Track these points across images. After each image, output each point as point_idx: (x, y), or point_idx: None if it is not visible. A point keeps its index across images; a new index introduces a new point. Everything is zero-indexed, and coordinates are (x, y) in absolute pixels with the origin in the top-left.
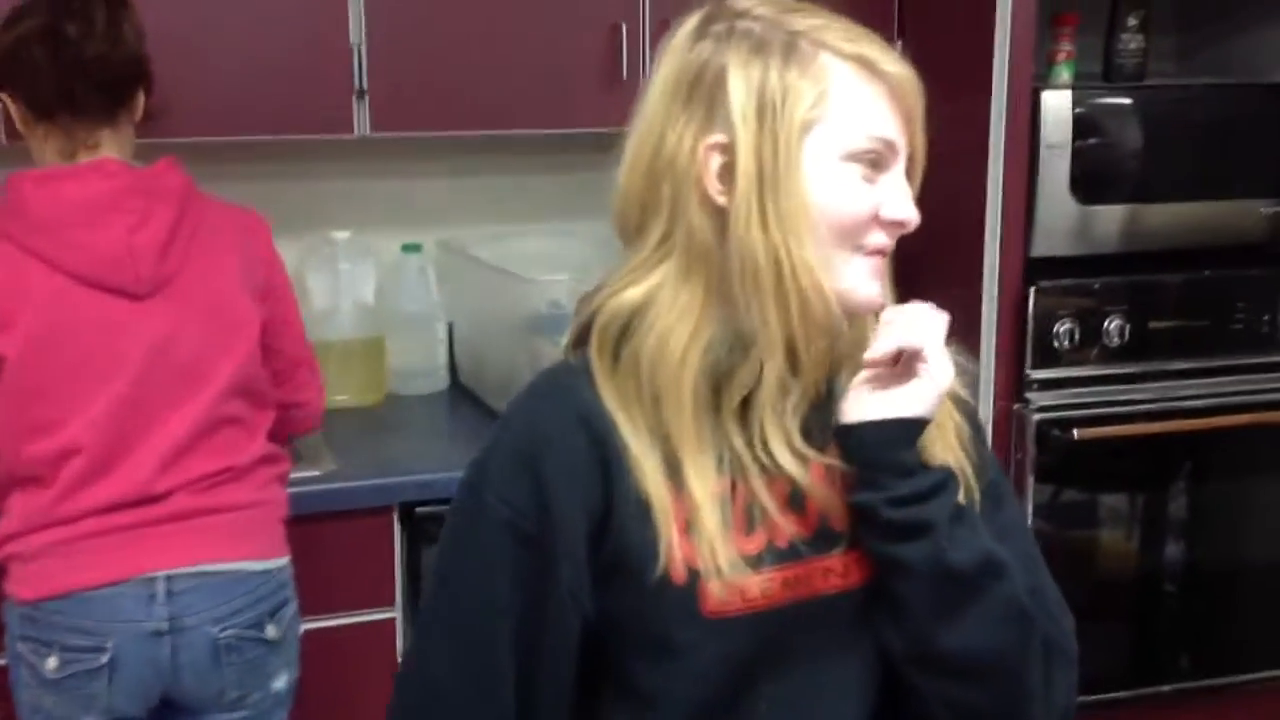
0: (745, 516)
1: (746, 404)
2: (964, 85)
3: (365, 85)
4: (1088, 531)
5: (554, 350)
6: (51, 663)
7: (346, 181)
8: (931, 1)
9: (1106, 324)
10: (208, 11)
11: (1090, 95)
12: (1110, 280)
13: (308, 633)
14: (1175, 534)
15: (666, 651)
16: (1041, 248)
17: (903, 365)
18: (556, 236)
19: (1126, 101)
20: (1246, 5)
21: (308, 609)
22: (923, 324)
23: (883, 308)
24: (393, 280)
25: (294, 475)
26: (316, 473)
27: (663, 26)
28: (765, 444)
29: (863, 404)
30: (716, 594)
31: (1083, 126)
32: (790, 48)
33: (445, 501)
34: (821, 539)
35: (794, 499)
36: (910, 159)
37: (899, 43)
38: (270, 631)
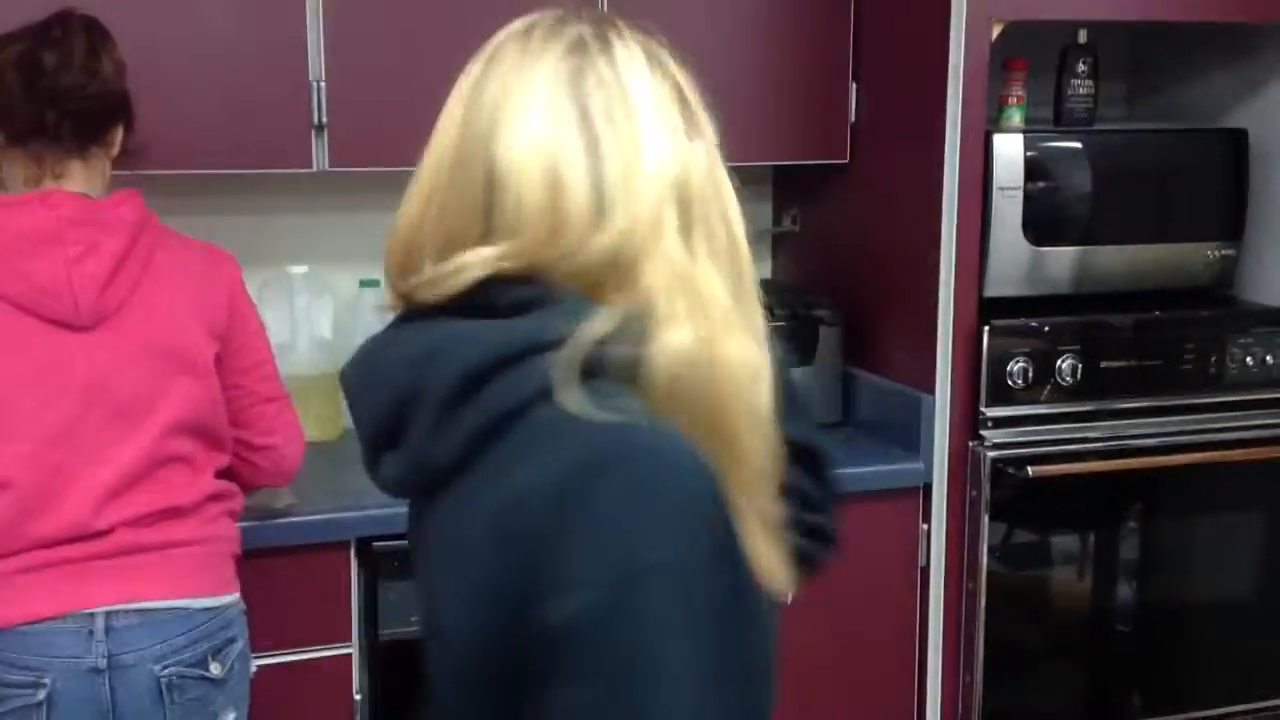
0: None
1: None
2: (917, 128)
3: (324, 120)
4: (1041, 570)
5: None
6: None
7: (304, 216)
8: (885, 46)
9: (1059, 363)
10: (168, 45)
11: (1041, 139)
12: (1062, 320)
13: (262, 669)
14: (1127, 572)
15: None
16: (995, 288)
17: None
18: None
19: (1077, 145)
20: (1194, 51)
21: (263, 645)
22: None
23: None
24: (350, 315)
25: (250, 509)
26: (274, 506)
27: None
28: None
29: None
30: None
31: (1034, 169)
32: None
33: (401, 537)
34: None
35: None
36: None
37: (854, 86)
38: (214, 669)
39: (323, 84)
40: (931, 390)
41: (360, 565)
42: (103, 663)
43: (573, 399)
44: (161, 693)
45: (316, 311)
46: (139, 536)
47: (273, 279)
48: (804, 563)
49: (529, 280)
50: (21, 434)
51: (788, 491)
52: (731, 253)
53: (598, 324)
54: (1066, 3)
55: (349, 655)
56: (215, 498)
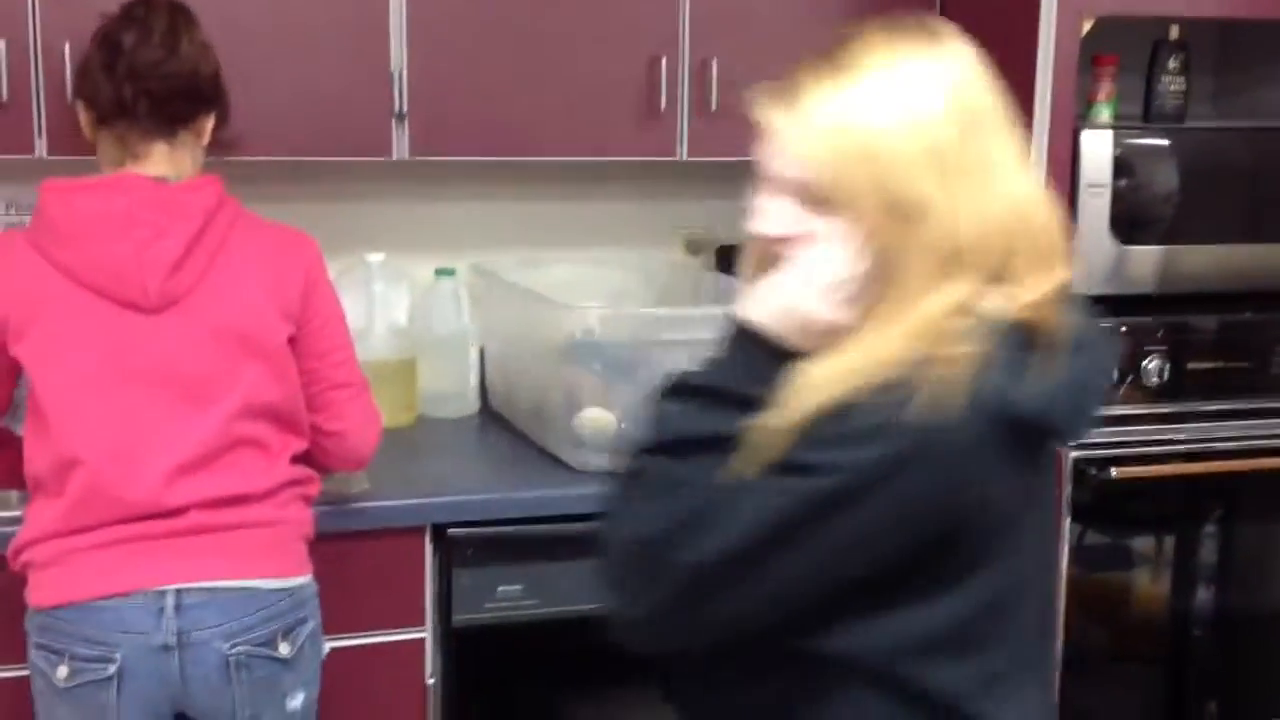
0: None
1: None
2: None
3: (405, 109)
4: (1118, 573)
5: (585, 378)
6: (62, 671)
7: (383, 204)
8: (973, 38)
9: (1145, 363)
10: (251, 33)
11: (1130, 135)
12: (1149, 320)
13: (335, 651)
14: (1206, 577)
15: None
16: (1080, 286)
17: None
18: (590, 264)
19: (1166, 143)
20: None
21: (336, 627)
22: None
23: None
24: (426, 303)
25: (325, 494)
26: (348, 492)
27: (702, 63)
28: None
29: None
30: None
31: (1122, 166)
32: None
33: (476, 524)
34: None
35: None
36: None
37: None
38: (283, 649)
39: (404, 73)
40: None
41: (435, 550)
42: (173, 640)
43: None
44: (230, 670)
45: (393, 299)
46: (211, 517)
47: (350, 266)
48: None
49: None
50: (93, 414)
51: None
52: None
53: None
54: None
55: (422, 639)
56: (291, 483)
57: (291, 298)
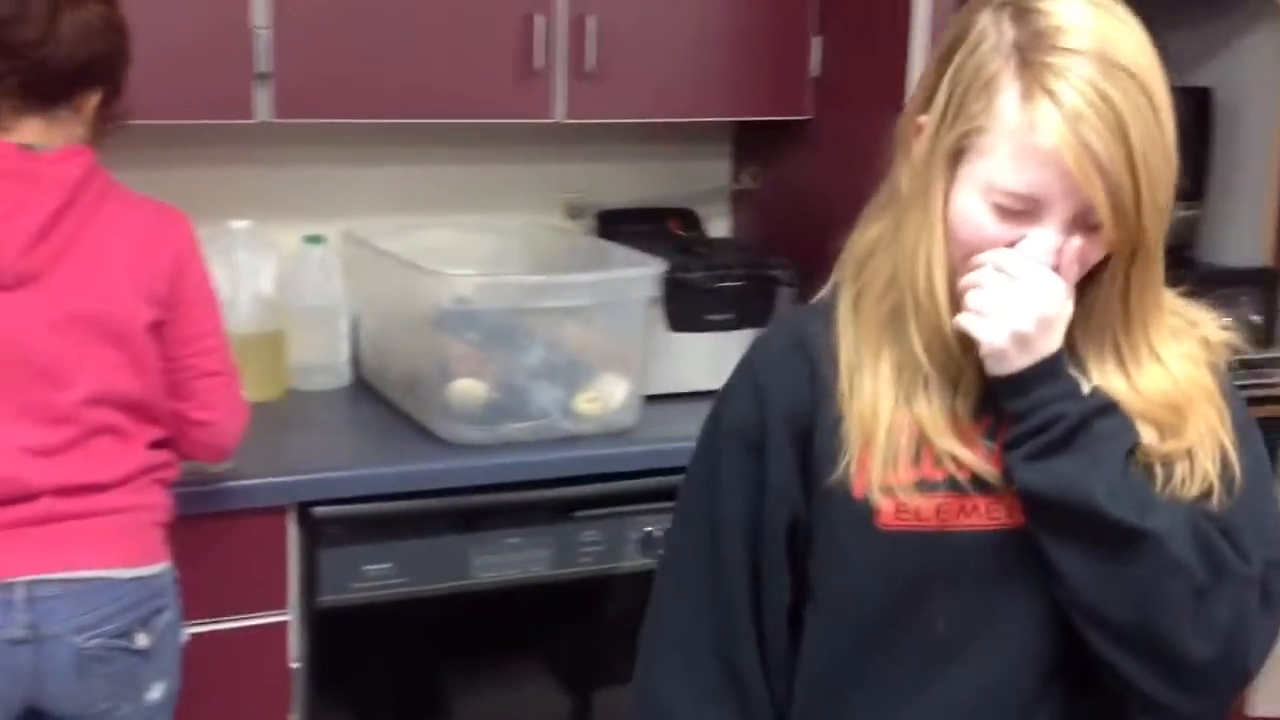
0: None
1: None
2: (882, 83)
3: (268, 68)
4: None
5: (461, 346)
6: None
7: (247, 168)
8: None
9: None
10: None
11: None
12: None
13: (196, 637)
14: None
15: (842, 559)
16: None
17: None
18: (465, 230)
19: None
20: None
21: (197, 612)
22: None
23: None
24: (294, 272)
25: (185, 472)
26: (210, 471)
27: (578, 20)
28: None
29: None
30: (888, 510)
31: None
32: (996, 72)
33: (346, 501)
34: (1007, 476)
35: (989, 433)
36: (1087, 231)
37: (817, 39)
38: (141, 641)
39: (266, 30)
40: None
41: (300, 530)
42: (24, 633)
43: None
44: (84, 664)
45: (259, 268)
46: (63, 505)
47: (214, 234)
48: None
49: None
50: None
51: None
52: None
53: None
54: None
55: (285, 622)
56: (147, 469)
57: (158, 281)
